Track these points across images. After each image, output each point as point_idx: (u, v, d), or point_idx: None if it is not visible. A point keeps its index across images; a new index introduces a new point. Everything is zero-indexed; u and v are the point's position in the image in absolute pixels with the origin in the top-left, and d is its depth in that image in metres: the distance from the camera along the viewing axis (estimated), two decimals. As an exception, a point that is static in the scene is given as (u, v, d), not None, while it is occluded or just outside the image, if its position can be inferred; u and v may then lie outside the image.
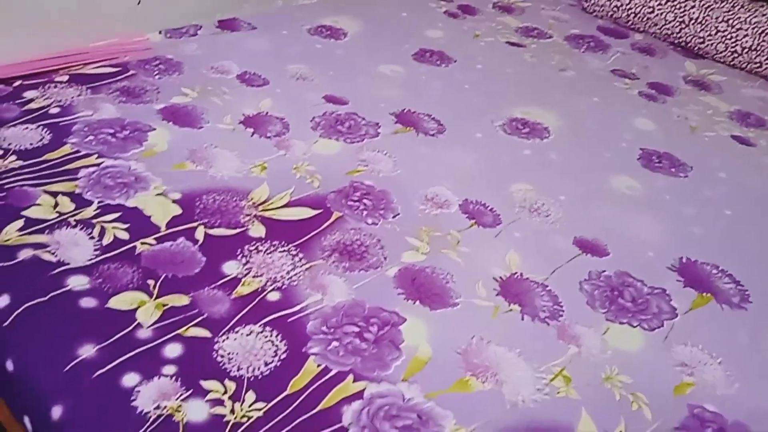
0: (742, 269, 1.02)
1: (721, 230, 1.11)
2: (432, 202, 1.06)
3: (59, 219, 0.90)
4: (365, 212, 1.01)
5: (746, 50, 1.64)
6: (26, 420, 0.74)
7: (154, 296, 0.82)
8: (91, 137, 1.06)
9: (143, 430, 0.68)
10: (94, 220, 0.91)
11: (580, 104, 1.42)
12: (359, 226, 0.99)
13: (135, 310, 0.80)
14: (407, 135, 1.23)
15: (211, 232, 0.93)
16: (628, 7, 1.79)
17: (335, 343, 0.79)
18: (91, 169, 1.00)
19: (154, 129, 1.11)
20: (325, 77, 1.36)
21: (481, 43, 1.62)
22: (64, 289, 0.81)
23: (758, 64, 1.64)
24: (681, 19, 1.72)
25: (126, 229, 0.90)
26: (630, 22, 1.81)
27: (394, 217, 1.02)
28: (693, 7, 1.70)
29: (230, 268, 0.88)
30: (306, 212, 1.00)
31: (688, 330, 0.91)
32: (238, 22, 1.52)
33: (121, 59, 1.29)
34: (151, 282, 0.83)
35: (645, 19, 1.77)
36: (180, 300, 0.82)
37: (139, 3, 1.38)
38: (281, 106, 1.24)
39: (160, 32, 1.42)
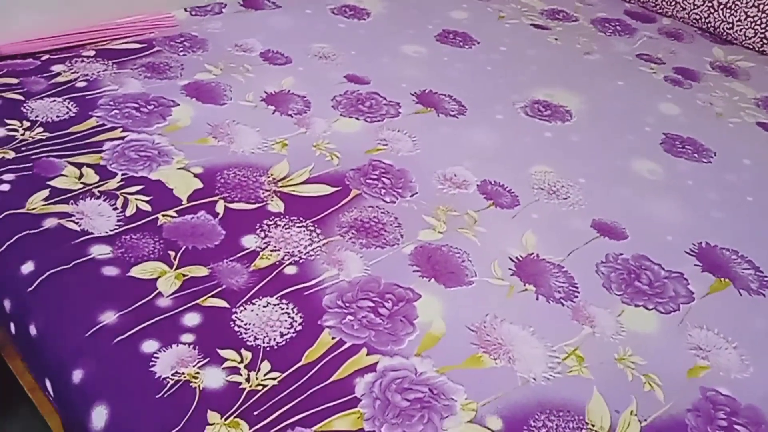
0: (762, 255, 1.01)
1: (743, 216, 1.10)
2: (450, 182, 1.07)
3: (84, 190, 0.92)
4: (383, 190, 1.02)
5: (777, 36, 1.61)
6: (47, 383, 0.76)
7: (175, 267, 0.83)
8: (116, 111, 1.08)
9: (161, 395, 0.70)
10: (117, 192, 0.93)
11: (604, 88, 1.41)
12: (377, 203, 0.99)
13: (156, 279, 0.81)
14: (428, 115, 1.23)
15: (231, 206, 0.94)
16: (656, -10, 1.76)
17: (350, 317, 0.80)
18: (116, 142, 1.02)
19: (178, 104, 1.13)
20: (348, 57, 1.36)
21: (505, 25, 1.60)
22: (87, 258, 0.83)
23: (789, 51, 1.61)
24: (710, 4, 1.68)
25: (148, 202, 0.92)
26: (658, 6, 1.78)
27: (412, 195, 1.02)
28: (723, -9, 1.67)
29: (249, 241, 0.89)
30: (325, 189, 1.01)
31: (705, 314, 0.90)
32: (262, 0, 1.52)
33: (147, 35, 1.31)
34: (171, 253, 0.85)
35: (673, 3, 1.74)
36: (199, 271, 0.83)
37: (164, -20, 1.39)
38: (303, 84, 1.24)
39: (185, 9, 1.43)
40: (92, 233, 0.86)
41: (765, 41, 1.63)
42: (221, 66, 1.25)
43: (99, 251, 0.84)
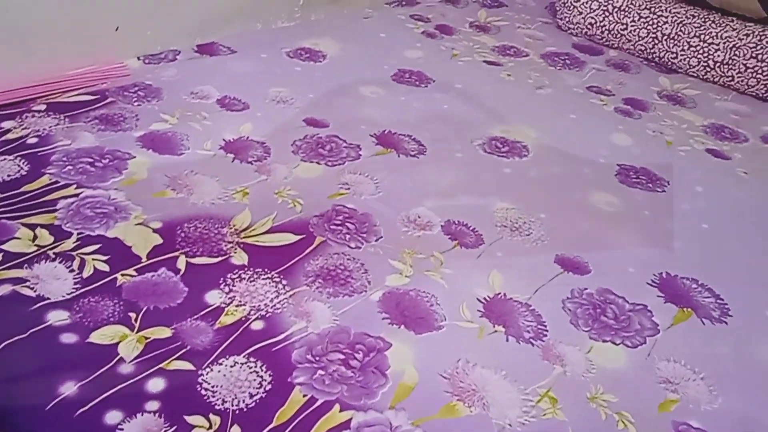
0: (721, 283, 1.04)
1: (700, 244, 1.13)
2: (414, 224, 1.07)
3: (38, 252, 0.89)
4: (348, 236, 1.01)
5: (718, 64, 1.68)
6: (7, 460, 0.73)
7: (136, 329, 0.81)
8: (69, 167, 1.06)
9: (127, 467, 0.67)
10: (73, 252, 0.90)
11: (558, 122, 1.44)
12: (342, 250, 0.99)
13: (117, 344, 0.79)
14: (388, 156, 1.23)
15: (193, 261, 0.92)
16: (601, 24, 1.82)
17: (321, 372, 0.79)
18: (70, 200, 0.99)
19: (134, 157, 1.10)
20: (306, 100, 1.36)
21: (459, 62, 1.63)
22: (44, 325, 0.79)
23: (730, 78, 1.67)
24: (654, 35, 1.75)
25: (106, 261, 0.89)
26: (604, 39, 1.84)
27: (377, 240, 1.02)
28: (665, 23, 1.74)
29: (213, 297, 0.87)
30: (289, 237, 0.99)
31: (671, 346, 0.92)
32: (217, 46, 1.52)
33: (99, 86, 1.29)
34: (132, 314, 0.83)
35: (618, 35, 1.80)
36: (162, 332, 0.81)
37: (117, 29, 1.37)
38: (262, 130, 1.24)
39: (138, 58, 1.42)
40: (48, 298, 0.83)
41: (708, 69, 1.70)
42: (177, 114, 1.24)
43: (56, 317, 0.81)
